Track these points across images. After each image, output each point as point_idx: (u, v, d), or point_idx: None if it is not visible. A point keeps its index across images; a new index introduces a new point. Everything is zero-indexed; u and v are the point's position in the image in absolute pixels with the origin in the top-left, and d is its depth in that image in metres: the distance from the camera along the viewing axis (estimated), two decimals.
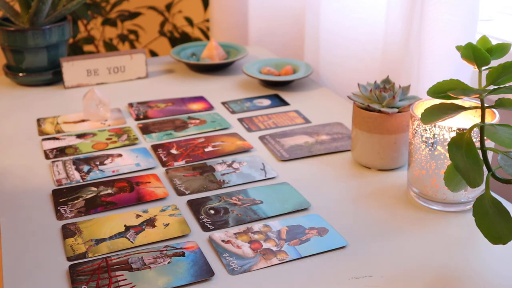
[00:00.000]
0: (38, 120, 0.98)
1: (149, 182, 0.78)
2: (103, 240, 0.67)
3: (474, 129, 0.59)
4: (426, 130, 0.68)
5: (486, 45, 0.62)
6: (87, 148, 0.88)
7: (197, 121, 0.97)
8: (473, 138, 0.61)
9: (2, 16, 1.16)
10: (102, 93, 0.98)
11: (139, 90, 1.11)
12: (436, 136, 0.68)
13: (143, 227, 0.69)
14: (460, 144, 0.58)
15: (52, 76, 1.13)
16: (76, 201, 0.74)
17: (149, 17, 2.05)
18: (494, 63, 0.60)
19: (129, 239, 0.66)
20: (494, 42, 0.62)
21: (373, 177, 0.79)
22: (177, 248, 0.65)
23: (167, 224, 0.69)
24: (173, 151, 0.87)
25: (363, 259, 0.63)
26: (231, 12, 1.44)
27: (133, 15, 1.92)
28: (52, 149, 0.88)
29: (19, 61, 1.12)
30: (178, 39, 1.91)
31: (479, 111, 0.71)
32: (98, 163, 0.83)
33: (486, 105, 0.60)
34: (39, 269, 0.62)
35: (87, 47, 2.00)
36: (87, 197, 0.75)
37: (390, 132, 0.78)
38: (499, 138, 0.56)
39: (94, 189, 0.77)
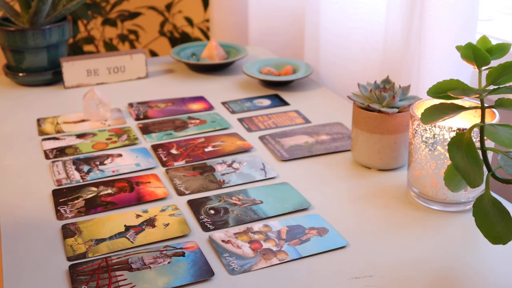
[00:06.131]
0: (38, 120, 0.98)
1: (149, 182, 0.78)
2: (103, 240, 0.67)
3: (474, 129, 0.59)
4: (426, 130, 0.68)
5: (486, 45, 0.61)
6: (87, 148, 0.88)
7: (197, 121, 0.97)
8: (473, 138, 0.61)
9: (2, 16, 1.16)
10: (102, 93, 0.98)
11: (139, 90, 1.11)
12: (436, 136, 0.68)
13: (143, 227, 0.69)
14: (460, 144, 0.58)
15: (52, 76, 1.13)
16: (76, 201, 0.74)
17: (149, 17, 2.05)
18: (494, 63, 0.60)
19: (129, 239, 0.66)
20: (494, 42, 0.62)
21: (373, 177, 0.79)
22: (177, 248, 0.65)
23: (167, 224, 0.69)
24: (173, 151, 0.87)
25: (363, 259, 0.63)
26: (231, 12, 1.44)
27: (133, 15, 1.92)
28: (52, 149, 0.88)
29: (19, 61, 1.12)
30: (178, 39, 1.91)
31: (479, 111, 0.71)
32: (98, 163, 0.83)
33: (486, 105, 0.60)
34: (39, 269, 0.62)
35: (87, 47, 2.00)
36: (87, 197, 0.75)
37: (390, 132, 0.78)
38: (499, 138, 0.56)
39: (94, 189, 0.77)
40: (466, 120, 0.72)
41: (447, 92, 0.60)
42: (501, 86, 0.59)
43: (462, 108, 0.61)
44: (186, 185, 0.78)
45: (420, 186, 0.72)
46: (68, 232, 0.68)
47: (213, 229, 0.68)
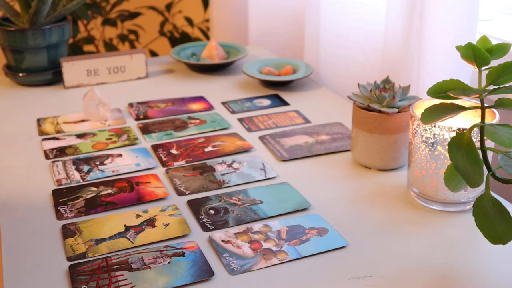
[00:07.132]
0: (38, 120, 0.98)
1: (149, 182, 0.78)
2: (103, 240, 0.67)
3: (474, 129, 0.59)
4: (426, 130, 0.68)
5: (486, 45, 0.61)
6: (87, 148, 0.88)
7: (197, 121, 0.97)
8: (473, 138, 0.61)
9: (2, 16, 1.16)
10: (102, 93, 0.98)
11: (139, 90, 1.11)
12: (436, 136, 0.68)
13: (143, 227, 0.69)
14: (460, 144, 0.58)
15: (52, 76, 1.13)
16: (76, 201, 0.74)
17: (149, 17, 2.05)
18: (494, 63, 0.60)
19: (129, 239, 0.67)
20: (494, 42, 0.62)
21: (373, 177, 0.79)
22: (177, 248, 0.65)
23: (167, 224, 0.69)
24: (173, 151, 0.87)
25: (363, 259, 0.63)
26: (231, 12, 1.44)
27: (133, 15, 1.92)
28: (52, 149, 0.88)
29: (19, 61, 1.12)
30: (178, 39, 1.91)
31: (479, 111, 0.71)
32: (98, 163, 0.83)
33: (486, 105, 0.60)
34: (39, 269, 0.62)
35: (87, 47, 2.00)
36: (87, 197, 0.75)
37: (390, 132, 0.78)
38: (499, 138, 0.56)
39: (94, 189, 0.77)
40: (466, 120, 0.72)
41: (447, 92, 0.60)
42: (501, 86, 0.59)
43: (462, 108, 0.61)
44: (186, 185, 0.78)
45: (420, 186, 0.72)
46: (68, 232, 0.68)
47: (213, 229, 0.68)
